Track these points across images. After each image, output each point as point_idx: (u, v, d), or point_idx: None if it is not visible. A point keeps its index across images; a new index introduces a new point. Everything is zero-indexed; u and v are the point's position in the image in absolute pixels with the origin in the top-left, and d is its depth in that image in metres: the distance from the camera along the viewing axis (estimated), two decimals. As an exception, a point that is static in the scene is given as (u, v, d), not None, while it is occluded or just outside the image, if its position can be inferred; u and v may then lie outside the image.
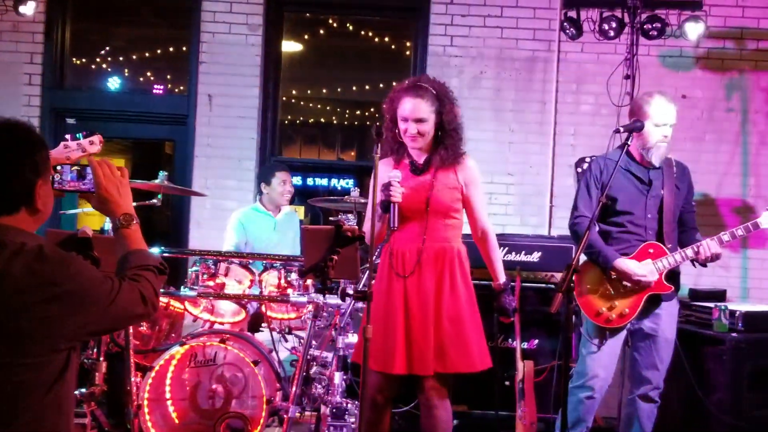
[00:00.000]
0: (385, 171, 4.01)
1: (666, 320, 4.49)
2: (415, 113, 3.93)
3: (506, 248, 5.94)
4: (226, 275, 5.02)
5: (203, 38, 7.04)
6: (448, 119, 3.98)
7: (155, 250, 5.15)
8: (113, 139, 7.92)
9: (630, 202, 4.52)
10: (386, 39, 7.62)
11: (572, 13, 6.37)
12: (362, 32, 7.58)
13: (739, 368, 4.91)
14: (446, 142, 3.96)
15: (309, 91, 7.73)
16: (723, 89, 7.04)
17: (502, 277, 4.16)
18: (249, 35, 7.04)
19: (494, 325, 5.78)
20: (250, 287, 5.08)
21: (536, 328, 5.77)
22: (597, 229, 4.58)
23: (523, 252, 5.95)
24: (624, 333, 4.51)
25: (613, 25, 6.24)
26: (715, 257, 4.38)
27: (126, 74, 7.56)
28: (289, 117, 7.65)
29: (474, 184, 4.03)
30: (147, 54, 7.51)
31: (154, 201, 5.07)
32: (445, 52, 7.08)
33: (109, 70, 7.54)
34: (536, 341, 5.86)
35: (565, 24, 6.39)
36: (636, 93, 6.05)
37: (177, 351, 4.70)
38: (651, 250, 4.45)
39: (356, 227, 3.31)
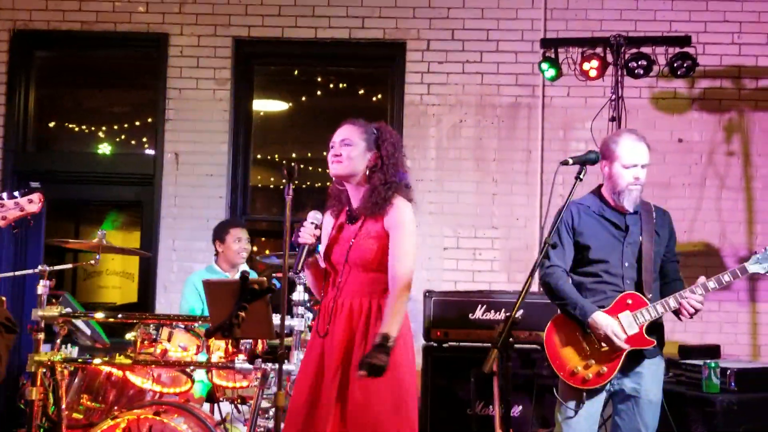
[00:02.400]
0: (326, 222, 3.68)
1: (649, 380, 3.97)
2: (341, 135, 3.60)
3: (484, 306, 5.48)
4: (168, 340, 4.58)
5: (169, 94, 6.73)
6: (387, 162, 3.57)
7: (99, 315, 4.77)
8: (79, 202, 7.57)
9: (605, 250, 4.05)
10: (361, 91, 7.27)
11: (550, 53, 5.98)
12: (336, 85, 7.24)
13: (732, 432, 4.35)
14: (378, 187, 3.54)
15: (281, 148, 7.35)
16: (722, 131, 6.59)
17: (384, 330, 3.34)
18: (217, 90, 6.73)
19: (472, 391, 5.32)
20: (196, 353, 4.65)
21: (519, 393, 5.27)
22: (570, 280, 4.12)
23: (504, 310, 5.48)
24: (603, 395, 3.99)
25: (595, 63, 5.84)
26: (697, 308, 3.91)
27: (91, 135, 7.26)
28: (260, 176, 7.28)
29: (395, 228, 3.50)
30: (113, 113, 7.22)
31: (92, 262, 4.69)
32: (422, 101, 6.71)
33: (74, 130, 7.25)
34: (519, 407, 5.35)
35: (542, 65, 5.99)
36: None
37: (107, 424, 4.23)
38: (629, 301, 3.96)
39: (264, 278, 2.87)
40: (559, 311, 4.07)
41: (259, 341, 4.27)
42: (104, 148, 7.18)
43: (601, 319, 3.89)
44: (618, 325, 3.89)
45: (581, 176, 3.58)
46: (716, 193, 6.55)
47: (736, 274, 3.92)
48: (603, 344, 3.92)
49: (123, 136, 7.19)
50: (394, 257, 3.46)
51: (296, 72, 7.21)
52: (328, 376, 3.44)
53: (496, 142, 6.67)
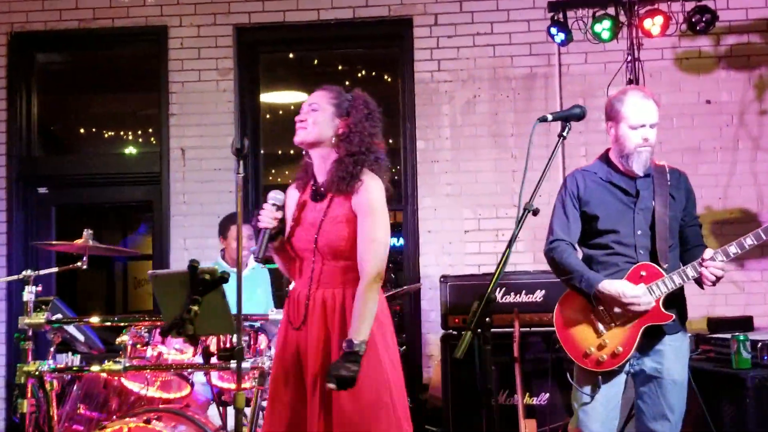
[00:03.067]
0: (290, 197, 3.37)
1: (672, 358, 3.63)
2: (310, 100, 3.30)
3: (504, 289, 5.16)
4: (163, 343, 4.36)
5: (172, 89, 6.52)
6: (354, 130, 3.24)
7: (95, 319, 4.58)
8: (89, 205, 7.42)
9: (614, 218, 3.71)
10: (371, 73, 7.00)
11: (559, 17, 5.63)
12: (343, 68, 6.98)
13: (765, 412, 3.95)
14: (344, 159, 3.23)
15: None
16: (752, 89, 6.16)
17: (352, 335, 3.03)
18: (220, 80, 6.50)
19: (494, 380, 5.01)
20: (194, 355, 4.41)
21: (546, 380, 4.94)
22: (579, 254, 3.80)
23: (524, 292, 5.17)
24: (622, 377, 3.66)
25: (607, 24, 5.46)
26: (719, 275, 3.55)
27: (96, 136, 7.11)
28: (273, 167, 7.07)
29: (363, 211, 3.15)
30: (118, 113, 7.06)
31: (78, 264, 4.49)
32: (433, 78, 6.40)
33: (80, 132, 7.11)
34: (546, 395, 5.02)
35: (551, 29, 5.63)
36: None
37: (94, 437, 4.02)
38: (643, 273, 3.61)
39: (215, 267, 2.59)
40: (568, 289, 3.75)
41: (221, 337, 3.99)
42: (111, 149, 7.03)
43: (608, 285, 3.55)
44: (630, 286, 3.55)
45: (565, 134, 3.21)
46: (750, 155, 6.13)
47: (759, 236, 3.55)
48: (616, 320, 3.60)
49: (129, 135, 7.04)
50: (362, 246, 3.12)
51: (301, 57, 6.96)
52: (309, 380, 3.14)
53: (513, 115, 6.32)
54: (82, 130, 7.11)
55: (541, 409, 4.94)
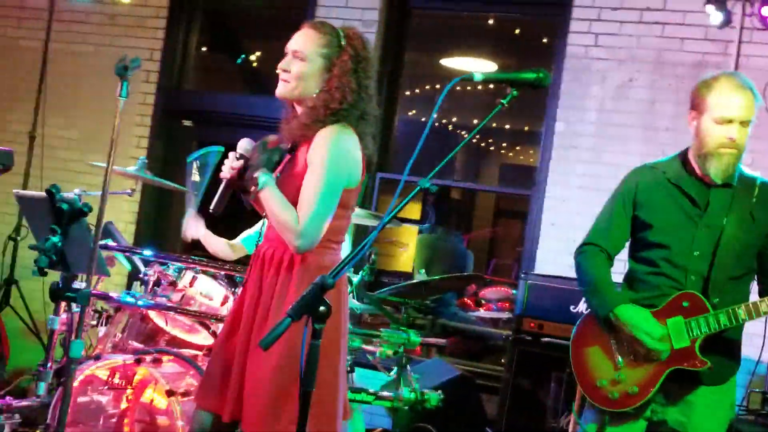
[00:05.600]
0: None
1: (702, 413, 2.90)
2: (295, 43, 2.84)
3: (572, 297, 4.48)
4: (191, 286, 4.16)
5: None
6: (339, 84, 2.78)
7: (147, 252, 4.47)
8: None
9: (669, 231, 3.00)
10: (524, 39, 6.38)
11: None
12: (499, 32, 6.42)
13: None
14: (318, 108, 2.76)
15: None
16: None
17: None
18: (363, 32, 6.15)
19: (555, 398, 4.36)
20: (223, 304, 4.19)
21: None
22: (613, 266, 3.13)
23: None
24: (640, 425, 2.96)
25: (781, 6, 4.50)
26: None
27: (245, 78, 7.06)
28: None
29: (313, 159, 2.70)
30: (266, 57, 6.96)
31: (128, 191, 4.40)
32: (586, 53, 5.67)
33: (230, 72, 7.10)
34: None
35: (707, 7, 4.73)
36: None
37: (90, 369, 3.87)
38: (685, 304, 2.90)
39: (74, 196, 2.28)
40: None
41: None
42: (257, 91, 6.96)
43: (623, 311, 2.86)
44: (647, 320, 2.85)
45: (505, 102, 2.46)
46: None
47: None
48: (639, 355, 2.90)
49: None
50: (301, 200, 2.70)
51: (456, 17, 6.48)
52: (239, 337, 2.80)
53: (672, 107, 5.45)
54: (230, 71, 7.11)
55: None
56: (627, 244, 3.19)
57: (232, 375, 2.75)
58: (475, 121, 7.65)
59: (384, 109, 6.26)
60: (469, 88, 7.36)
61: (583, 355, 3.03)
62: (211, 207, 2.86)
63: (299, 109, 2.87)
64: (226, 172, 2.84)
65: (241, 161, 2.84)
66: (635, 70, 5.56)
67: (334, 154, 2.70)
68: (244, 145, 2.89)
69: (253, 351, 2.69)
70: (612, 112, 5.59)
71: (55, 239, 2.25)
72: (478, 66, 6.90)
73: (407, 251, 7.71)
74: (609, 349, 2.97)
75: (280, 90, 2.85)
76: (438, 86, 7.51)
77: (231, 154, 2.87)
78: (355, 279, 4.08)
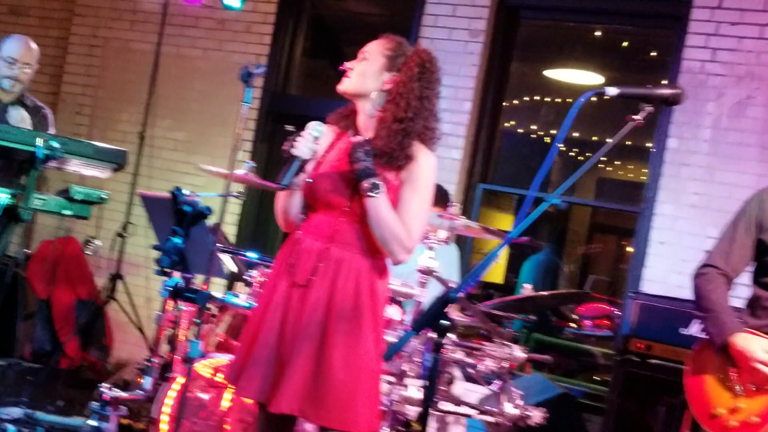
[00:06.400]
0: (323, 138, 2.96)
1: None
2: (364, 48, 2.95)
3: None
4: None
5: (422, 44, 6.25)
6: (403, 89, 2.82)
7: (252, 255, 4.50)
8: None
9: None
10: (640, 54, 6.23)
11: None
12: (611, 44, 6.29)
13: None
14: (390, 126, 2.79)
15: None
16: None
17: None
18: (469, 42, 6.13)
19: (666, 425, 4.21)
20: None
21: None
22: (732, 289, 3.01)
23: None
24: (759, 458, 2.82)
25: None
26: None
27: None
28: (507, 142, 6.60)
29: (418, 180, 2.81)
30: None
31: (235, 194, 4.42)
32: (702, 68, 5.48)
33: (334, 78, 7.12)
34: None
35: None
36: None
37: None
38: (812, 335, 2.74)
39: (196, 199, 2.28)
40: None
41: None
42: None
43: (741, 340, 2.73)
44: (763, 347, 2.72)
45: (640, 118, 2.26)
46: None
47: None
48: (760, 384, 2.76)
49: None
50: (407, 215, 2.80)
51: (564, 28, 6.38)
52: (297, 338, 2.75)
53: (793, 128, 5.25)
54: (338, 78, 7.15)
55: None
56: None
57: (291, 369, 2.71)
58: (576, 134, 7.56)
59: (488, 119, 6.21)
60: (569, 100, 7.27)
61: (698, 382, 2.91)
62: (283, 182, 2.83)
63: (358, 107, 2.94)
64: (304, 151, 2.81)
65: (317, 145, 2.84)
66: (754, 87, 5.36)
67: (434, 179, 2.87)
68: (318, 127, 2.86)
69: (334, 351, 2.70)
70: (728, 129, 5.40)
71: (177, 240, 2.27)
72: (583, 78, 6.81)
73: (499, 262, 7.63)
74: (728, 376, 2.84)
75: (341, 84, 2.94)
76: (537, 98, 7.43)
77: (306, 134, 2.83)
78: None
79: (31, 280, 5.80)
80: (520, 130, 7.78)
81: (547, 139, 7.70)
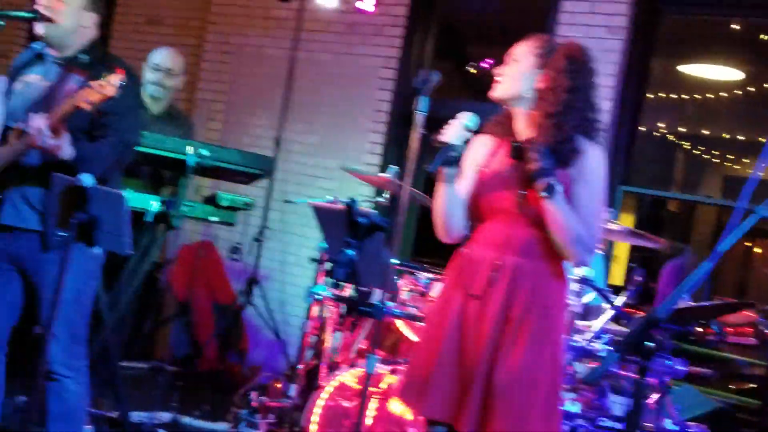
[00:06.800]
0: (477, 148, 2.93)
1: None
2: (510, 51, 2.89)
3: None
4: (440, 297, 4.09)
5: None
6: (552, 84, 2.73)
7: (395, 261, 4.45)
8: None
9: None
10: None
11: None
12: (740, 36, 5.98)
13: None
14: (547, 124, 2.70)
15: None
16: None
17: None
18: (607, 39, 5.92)
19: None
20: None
21: None
22: None
23: None
24: None
25: None
26: None
27: (476, 86, 6.96)
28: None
29: (591, 178, 2.73)
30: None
31: (381, 199, 4.39)
32: None
33: (464, 81, 7.02)
34: None
35: None
36: None
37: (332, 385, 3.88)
38: None
39: (372, 210, 2.22)
40: None
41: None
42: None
43: None
44: None
45: None
46: None
47: None
48: None
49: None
50: (586, 215, 2.69)
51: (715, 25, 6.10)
52: (479, 351, 2.69)
53: None
54: (469, 80, 7.04)
55: None
56: None
57: (474, 387, 2.65)
58: (704, 131, 7.25)
59: (628, 119, 6.00)
60: (709, 95, 6.97)
61: None
62: (432, 167, 2.80)
63: (513, 111, 2.86)
64: (452, 137, 2.78)
65: (469, 135, 2.81)
66: None
67: (604, 171, 2.77)
68: (471, 117, 2.83)
69: (513, 362, 2.62)
70: None
71: (351, 252, 2.23)
72: (722, 74, 6.51)
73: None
74: None
75: (493, 90, 2.88)
76: (674, 96, 7.15)
77: (456, 122, 2.82)
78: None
79: (173, 284, 5.92)
80: (662, 128, 7.50)
81: (671, 137, 7.42)
